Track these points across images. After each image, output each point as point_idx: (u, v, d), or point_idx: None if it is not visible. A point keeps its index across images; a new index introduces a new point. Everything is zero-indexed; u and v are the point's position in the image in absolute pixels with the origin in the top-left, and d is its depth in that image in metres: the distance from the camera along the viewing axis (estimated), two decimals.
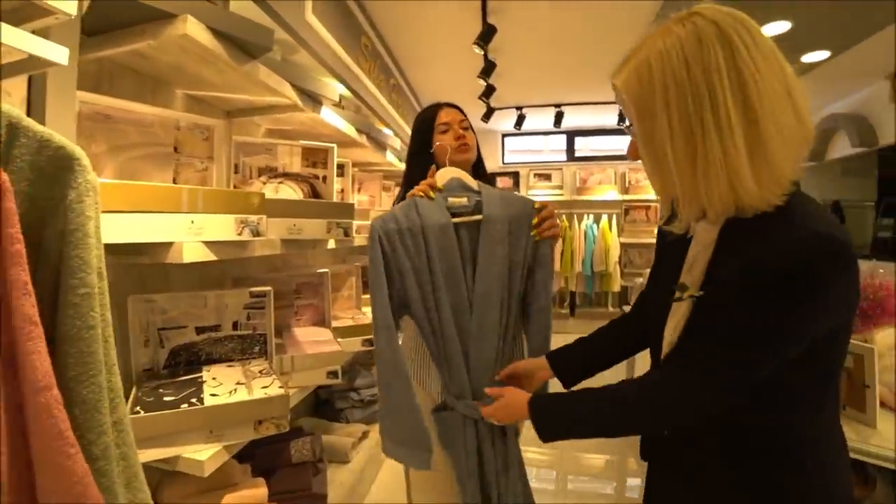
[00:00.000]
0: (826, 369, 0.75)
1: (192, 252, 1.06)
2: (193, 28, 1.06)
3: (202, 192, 1.08)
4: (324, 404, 2.46)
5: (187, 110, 1.54)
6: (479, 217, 1.22)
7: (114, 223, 0.96)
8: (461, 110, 1.60)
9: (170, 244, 1.04)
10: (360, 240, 2.03)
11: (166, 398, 1.15)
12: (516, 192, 1.34)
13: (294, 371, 1.50)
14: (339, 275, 2.16)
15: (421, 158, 1.54)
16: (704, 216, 0.74)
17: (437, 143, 1.49)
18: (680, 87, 0.64)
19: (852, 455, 1.33)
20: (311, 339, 1.66)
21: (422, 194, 1.22)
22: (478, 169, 1.62)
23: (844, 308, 0.70)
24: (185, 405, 1.11)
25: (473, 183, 1.28)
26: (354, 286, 2.17)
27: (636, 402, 0.82)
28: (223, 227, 1.12)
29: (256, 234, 1.18)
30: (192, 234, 1.06)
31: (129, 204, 0.98)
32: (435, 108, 1.57)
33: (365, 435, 2.24)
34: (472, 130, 1.60)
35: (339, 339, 1.81)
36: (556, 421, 0.91)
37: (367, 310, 2.17)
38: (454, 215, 1.21)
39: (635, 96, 0.70)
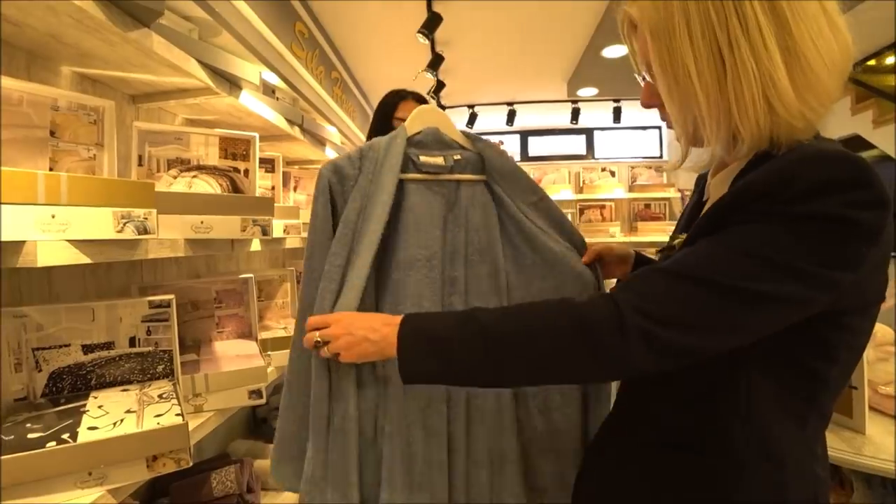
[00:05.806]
0: (825, 369, 0.63)
1: (54, 254, 0.85)
2: None
3: (66, 179, 0.87)
4: (261, 424, 2.23)
5: (81, 92, 1.31)
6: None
7: None
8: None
9: (21, 243, 0.83)
10: (292, 241, 1.84)
11: (31, 435, 0.93)
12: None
13: (209, 392, 1.30)
14: (272, 281, 1.95)
15: None
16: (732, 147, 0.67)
17: None
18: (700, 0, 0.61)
19: (847, 467, 1.23)
20: (232, 353, 1.46)
21: None
22: None
23: (876, 279, 0.60)
24: (53, 443, 0.90)
25: (457, 135, 1.07)
26: (289, 293, 1.97)
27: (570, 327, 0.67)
28: (97, 222, 0.91)
29: (144, 231, 0.98)
30: (53, 231, 0.86)
31: None
32: (397, 98, 1.41)
33: None
34: None
35: (268, 353, 1.61)
36: (441, 345, 0.72)
37: None
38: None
39: (652, 21, 0.67)
